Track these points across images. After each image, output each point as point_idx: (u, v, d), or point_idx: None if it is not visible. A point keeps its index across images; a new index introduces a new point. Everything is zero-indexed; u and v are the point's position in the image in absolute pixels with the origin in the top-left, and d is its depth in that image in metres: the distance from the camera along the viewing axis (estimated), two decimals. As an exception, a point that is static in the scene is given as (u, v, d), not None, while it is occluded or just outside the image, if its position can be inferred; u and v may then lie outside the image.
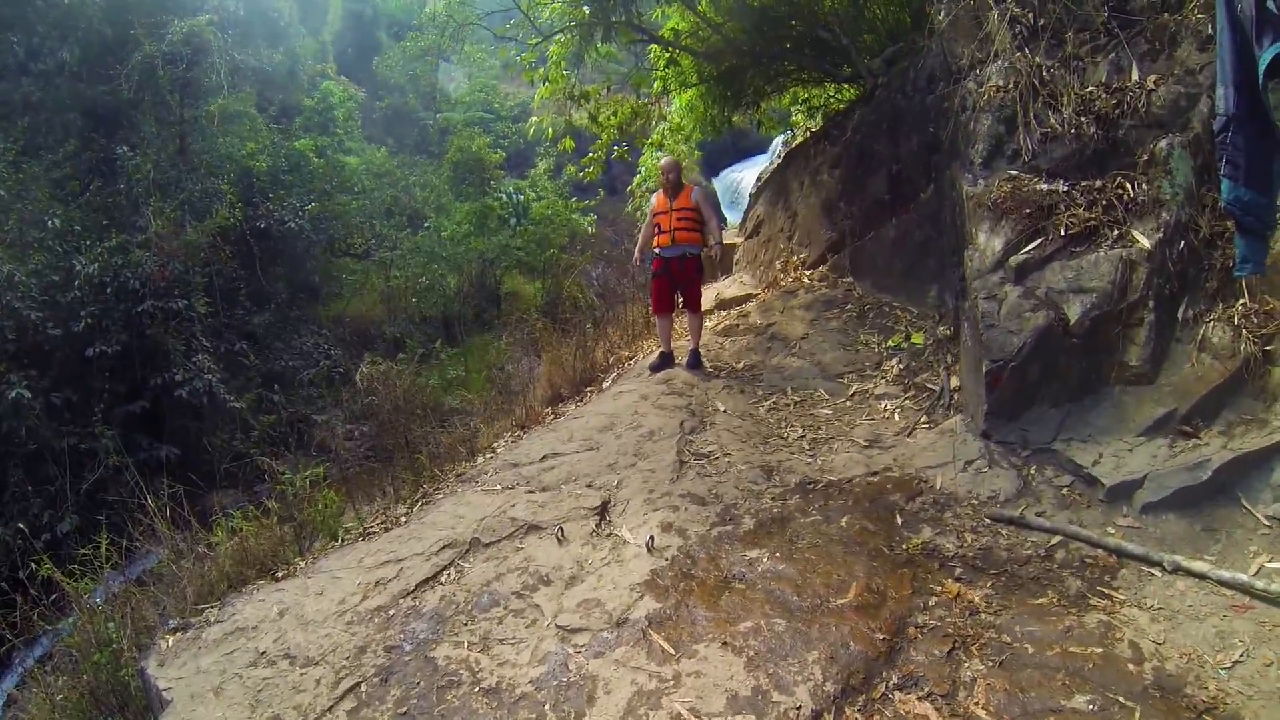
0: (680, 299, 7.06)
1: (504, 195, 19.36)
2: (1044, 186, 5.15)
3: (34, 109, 15.49)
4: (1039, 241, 5.01)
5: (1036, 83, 5.41)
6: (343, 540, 5.15)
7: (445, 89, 22.41)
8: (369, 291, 18.17)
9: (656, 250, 6.93)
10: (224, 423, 13.85)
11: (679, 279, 6.93)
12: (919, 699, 3.00)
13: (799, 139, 10.93)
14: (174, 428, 13.48)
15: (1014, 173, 5.32)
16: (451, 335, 17.45)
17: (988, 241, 5.19)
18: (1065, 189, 5.10)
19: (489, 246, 18.61)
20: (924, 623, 3.42)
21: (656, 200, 7.03)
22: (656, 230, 6.94)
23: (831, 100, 10.63)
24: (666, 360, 7.01)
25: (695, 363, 6.91)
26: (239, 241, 16.19)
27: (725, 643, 3.29)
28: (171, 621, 4.50)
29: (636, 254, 7.37)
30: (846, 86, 9.75)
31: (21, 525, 11.13)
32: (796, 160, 9.65)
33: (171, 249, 14.06)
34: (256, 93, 19.87)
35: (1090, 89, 5.30)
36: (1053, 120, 5.29)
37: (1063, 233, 4.94)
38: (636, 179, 10.36)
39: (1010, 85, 5.52)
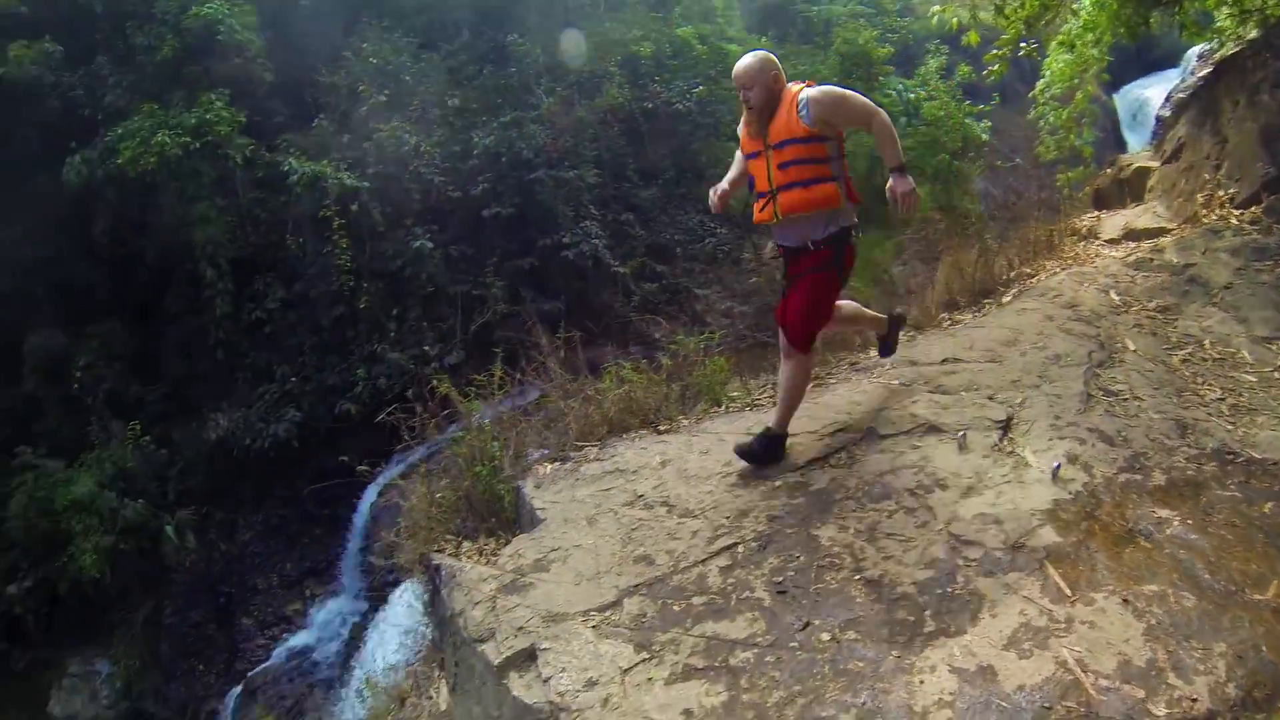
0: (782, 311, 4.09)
1: (893, 93, 18.53)
2: None
3: (427, 9, 17.61)
4: None
5: None
6: (727, 408, 5.28)
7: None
8: (753, 176, 18.57)
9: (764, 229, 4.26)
10: (606, 285, 15.18)
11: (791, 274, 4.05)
12: (1328, 742, 2.57)
13: (1225, 49, 8.94)
14: (559, 286, 15.05)
15: None
16: (839, 228, 17.45)
17: None
18: None
19: (879, 144, 17.98)
20: (1352, 654, 2.93)
21: (743, 135, 4.12)
22: (752, 191, 4.03)
23: (1271, 4, 8.52)
24: (886, 344, 4.88)
25: (762, 451, 4.07)
26: (627, 120, 17.13)
27: (1126, 600, 3.04)
28: (550, 451, 4.89)
29: (714, 196, 4.23)
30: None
31: (422, 349, 13.64)
32: (1229, 74, 7.95)
33: (563, 124, 15.48)
34: (636, -18, 20.67)
35: None
36: None
37: None
38: (1039, 85, 9.10)
39: None
